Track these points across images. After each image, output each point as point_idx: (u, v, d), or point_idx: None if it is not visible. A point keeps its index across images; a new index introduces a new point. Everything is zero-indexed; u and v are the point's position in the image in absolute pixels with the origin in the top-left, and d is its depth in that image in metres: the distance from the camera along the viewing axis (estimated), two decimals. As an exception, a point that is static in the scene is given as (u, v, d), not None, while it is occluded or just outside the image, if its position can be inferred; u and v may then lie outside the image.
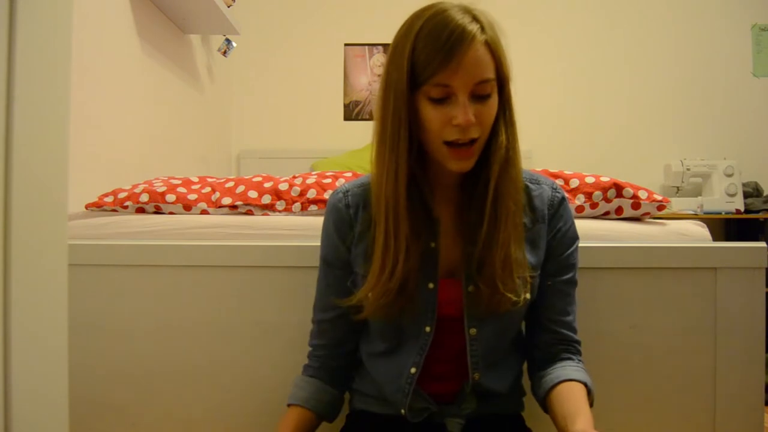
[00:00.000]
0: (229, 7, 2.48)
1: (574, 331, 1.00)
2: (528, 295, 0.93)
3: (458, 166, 0.88)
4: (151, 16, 2.19)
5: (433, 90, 0.84)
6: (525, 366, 1.04)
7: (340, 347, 1.03)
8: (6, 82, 0.55)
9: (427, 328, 0.94)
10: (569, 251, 0.98)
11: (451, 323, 0.95)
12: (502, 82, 0.88)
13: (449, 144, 0.86)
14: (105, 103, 1.85)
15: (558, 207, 0.97)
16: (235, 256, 1.18)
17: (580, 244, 1.01)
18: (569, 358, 0.98)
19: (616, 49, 3.24)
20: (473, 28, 0.83)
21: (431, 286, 0.93)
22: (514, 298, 0.89)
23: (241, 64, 3.23)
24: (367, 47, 3.32)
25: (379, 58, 3.31)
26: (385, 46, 3.29)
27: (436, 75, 0.83)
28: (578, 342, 1.00)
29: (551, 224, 0.97)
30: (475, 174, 0.91)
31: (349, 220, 0.97)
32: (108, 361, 1.20)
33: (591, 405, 0.92)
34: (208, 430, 1.19)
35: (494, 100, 0.87)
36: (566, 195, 1.00)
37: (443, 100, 0.85)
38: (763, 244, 1.14)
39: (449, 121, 0.85)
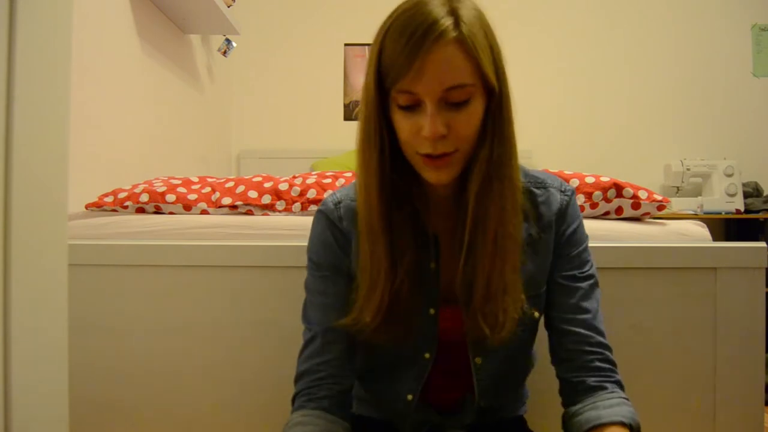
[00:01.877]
0: (229, 7, 2.48)
1: (598, 332, 0.85)
2: (537, 314, 0.88)
3: (434, 177, 0.77)
4: (151, 16, 2.19)
5: (400, 97, 0.74)
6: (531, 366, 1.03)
7: (351, 360, 0.86)
8: (6, 82, 0.55)
9: (427, 355, 0.87)
10: (577, 250, 0.88)
11: (455, 347, 0.88)
12: (489, 87, 0.76)
13: (423, 155, 0.76)
14: (105, 103, 1.85)
15: (565, 210, 0.88)
16: (235, 256, 1.18)
17: None
18: (601, 385, 0.83)
19: (616, 49, 3.24)
20: (445, 23, 0.70)
21: (432, 311, 0.85)
22: (491, 335, 0.78)
23: (241, 64, 3.23)
24: (367, 47, 3.32)
25: (379, 58, 3.31)
26: (385, 46, 3.29)
27: (399, 80, 0.72)
28: (606, 347, 0.86)
29: (556, 227, 0.88)
30: (467, 188, 0.80)
31: (345, 232, 0.88)
32: (108, 361, 1.20)
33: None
34: (208, 429, 1.19)
35: (474, 108, 0.75)
36: (575, 193, 0.90)
37: (412, 107, 0.74)
38: (763, 244, 1.14)
39: (419, 131, 0.74)
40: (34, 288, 0.59)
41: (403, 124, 0.76)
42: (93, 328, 1.19)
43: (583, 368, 0.84)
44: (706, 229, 1.26)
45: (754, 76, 3.18)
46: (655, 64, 3.22)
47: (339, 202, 0.89)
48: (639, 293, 1.15)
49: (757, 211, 2.86)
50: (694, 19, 3.21)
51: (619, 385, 0.85)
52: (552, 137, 3.20)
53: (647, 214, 1.29)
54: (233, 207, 1.34)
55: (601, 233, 1.21)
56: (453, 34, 0.71)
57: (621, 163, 3.16)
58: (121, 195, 1.37)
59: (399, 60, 0.71)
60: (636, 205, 1.26)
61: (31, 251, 0.58)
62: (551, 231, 0.87)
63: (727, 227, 3.03)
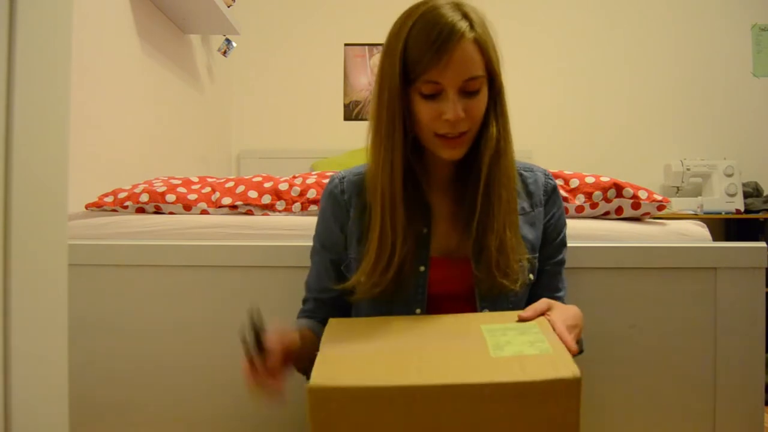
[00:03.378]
0: (229, 7, 2.48)
1: (564, 302, 1.02)
2: (532, 276, 0.98)
3: (449, 154, 0.92)
4: (151, 16, 2.19)
5: (425, 86, 0.88)
6: None
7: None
8: (6, 82, 0.55)
9: (418, 310, 0.95)
10: (562, 234, 1.04)
11: (447, 301, 0.96)
12: (492, 76, 0.92)
13: (440, 135, 0.91)
14: (105, 103, 1.85)
15: (551, 193, 1.03)
16: (235, 256, 1.18)
17: (580, 244, 1.04)
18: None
19: (616, 49, 3.24)
20: (462, 25, 0.86)
21: (422, 268, 0.96)
22: (510, 286, 0.92)
23: (241, 64, 3.23)
24: (367, 47, 3.32)
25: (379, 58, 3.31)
26: (385, 46, 3.29)
27: (426, 72, 0.86)
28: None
29: (546, 208, 1.02)
30: (468, 164, 0.95)
31: (344, 204, 1.01)
32: (108, 361, 1.20)
33: (580, 351, 0.92)
34: (208, 429, 1.19)
35: (484, 95, 0.90)
36: (557, 186, 1.06)
37: (434, 95, 0.88)
38: (763, 244, 1.14)
39: (440, 115, 0.88)
40: (34, 288, 0.59)
41: (424, 110, 0.89)
42: (93, 328, 1.19)
43: None
44: (706, 229, 1.26)
45: (754, 76, 3.18)
46: (655, 64, 3.22)
47: (343, 178, 1.04)
48: (639, 293, 1.15)
49: (757, 211, 2.86)
50: (694, 19, 3.21)
51: None
52: (552, 137, 3.19)
53: (647, 214, 1.29)
54: (233, 207, 1.34)
55: (601, 233, 1.21)
56: (471, 35, 0.87)
57: (621, 163, 3.16)
58: (121, 195, 1.37)
59: (427, 55, 0.86)
60: (636, 205, 1.26)
61: (31, 251, 0.58)
62: (541, 206, 1.02)
63: (727, 227, 3.03)
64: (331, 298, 1.03)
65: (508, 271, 0.92)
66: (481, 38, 0.88)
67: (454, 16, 0.87)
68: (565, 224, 1.05)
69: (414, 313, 0.95)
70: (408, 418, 0.66)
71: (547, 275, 1.03)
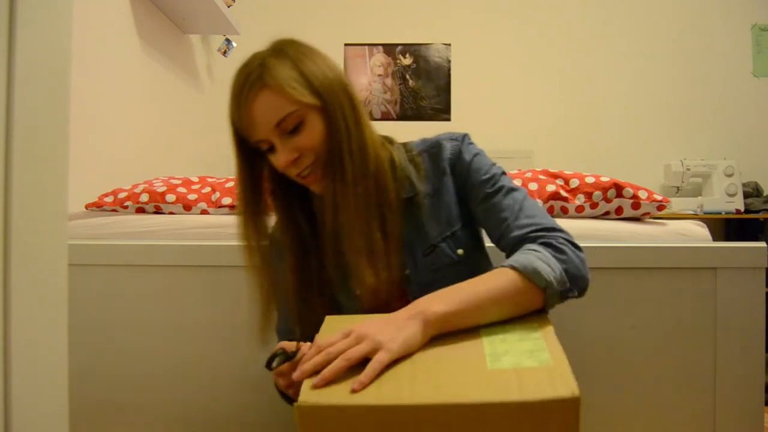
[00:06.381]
0: (229, 7, 2.48)
1: (524, 225, 0.89)
2: (460, 251, 0.95)
3: (316, 188, 0.92)
4: (151, 16, 2.19)
5: (259, 146, 0.90)
6: None
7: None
8: (6, 82, 0.55)
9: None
10: (480, 175, 0.95)
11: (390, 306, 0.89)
12: (316, 106, 0.88)
13: (298, 175, 0.91)
14: (105, 103, 1.85)
15: (458, 155, 0.97)
16: (235, 256, 1.18)
17: (581, 244, 0.99)
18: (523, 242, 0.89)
19: (616, 49, 3.24)
20: (251, 78, 0.86)
21: (358, 292, 0.94)
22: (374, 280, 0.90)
23: (241, 64, 3.23)
24: (367, 47, 3.32)
25: (379, 58, 3.31)
26: (385, 45, 3.29)
27: (249, 138, 0.89)
28: (539, 228, 0.89)
29: (455, 172, 0.97)
30: None
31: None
32: (108, 361, 1.20)
33: (550, 298, 0.81)
34: (208, 429, 1.19)
35: (311, 124, 0.88)
36: (467, 136, 0.99)
37: (270, 149, 0.89)
38: (763, 244, 1.14)
39: None
40: (34, 288, 0.59)
41: (274, 162, 0.90)
42: (93, 328, 1.19)
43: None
44: (706, 229, 1.26)
45: (754, 76, 3.18)
46: (655, 64, 3.22)
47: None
48: (639, 293, 1.15)
49: (757, 211, 2.85)
50: (694, 19, 3.21)
51: (546, 244, 0.86)
52: (552, 137, 3.19)
53: (647, 214, 1.29)
54: (233, 207, 1.34)
55: (601, 233, 1.21)
56: (258, 83, 0.86)
57: (621, 163, 3.16)
58: (121, 195, 1.37)
59: (239, 123, 0.88)
60: (636, 205, 1.26)
61: (31, 251, 0.58)
62: (448, 175, 0.97)
63: (727, 227, 3.03)
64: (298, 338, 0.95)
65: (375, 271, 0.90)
66: (273, 81, 0.85)
67: (246, 72, 0.87)
68: (481, 167, 0.96)
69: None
70: None
71: (484, 217, 0.95)
